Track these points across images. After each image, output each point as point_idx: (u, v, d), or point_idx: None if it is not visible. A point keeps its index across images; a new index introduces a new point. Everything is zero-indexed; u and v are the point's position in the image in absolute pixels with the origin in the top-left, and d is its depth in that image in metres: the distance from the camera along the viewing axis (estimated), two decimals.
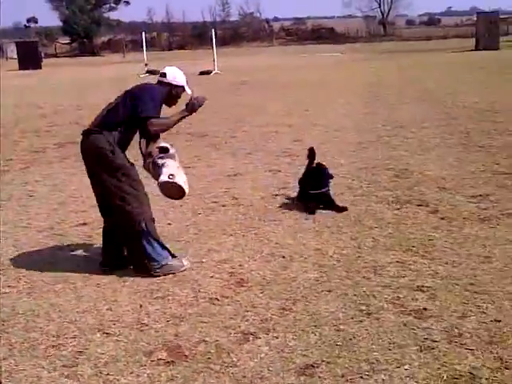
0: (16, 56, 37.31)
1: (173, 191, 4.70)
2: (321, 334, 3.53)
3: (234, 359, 3.30)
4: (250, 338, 3.51)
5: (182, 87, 4.66)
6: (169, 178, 4.50)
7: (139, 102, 4.36)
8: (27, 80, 25.71)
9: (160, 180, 4.54)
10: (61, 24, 53.82)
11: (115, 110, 4.42)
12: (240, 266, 4.63)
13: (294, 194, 6.41)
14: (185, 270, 4.53)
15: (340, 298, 3.99)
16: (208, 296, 4.11)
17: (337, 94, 15.12)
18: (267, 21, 60.91)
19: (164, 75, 4.64)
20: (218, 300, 4.04)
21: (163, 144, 4.68)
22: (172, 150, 4.66)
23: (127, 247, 4.57)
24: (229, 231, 5.44)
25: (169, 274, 4.47)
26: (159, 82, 4.65)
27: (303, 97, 14.78)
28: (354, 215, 5.71)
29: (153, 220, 4.52)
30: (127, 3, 58.28)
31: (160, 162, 4.56)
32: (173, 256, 4.58)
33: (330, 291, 4.10)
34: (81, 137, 4.49)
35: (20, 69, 33.57)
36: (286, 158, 8.31)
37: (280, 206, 6.10)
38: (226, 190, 6.84)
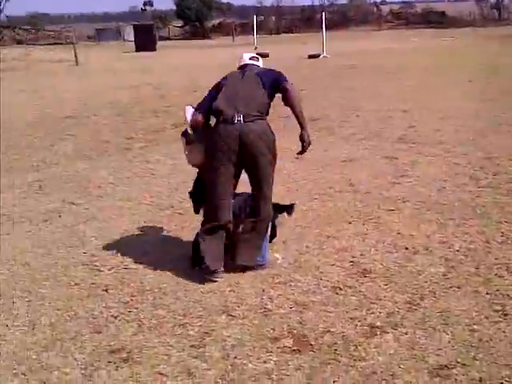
0: (132, 38, 38.80)
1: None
2: (453, 333, 3.36)
3: (363, 353, 3.21)
4: (378, 332, 3.41)
5: None
6: None
7: (273, 73, 4.37)
8: (143, 61, 26.59)
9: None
10: (174, 8, 55.17)
11: (258, 91, 4.23)
12: (361, 255, 4.51)
13: (413, 183, 6.19)
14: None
15: (471, 295, 3.79)
16: (330, 284, 4.04)
17: (451, 80, 14.43)
18: (376, 4, 59.32)
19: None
20: (341, 289, 3.96)
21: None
22: None
23: (254, 241, 4.33)
24: (347, 218, 5.33)
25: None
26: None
27: (416, 82, 14.23)
28: (480, 208, 5.41)
29: None
30: None
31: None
32: None
33: (459, 288, 3.90)
34: (233, 122, 4.10)
35: (136, 51, 34.92)
36: (402, 144, 8.03)
37: (399, 195, 5.89)
38: (341, 175, 6.71)
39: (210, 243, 4.21)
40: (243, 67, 4.45)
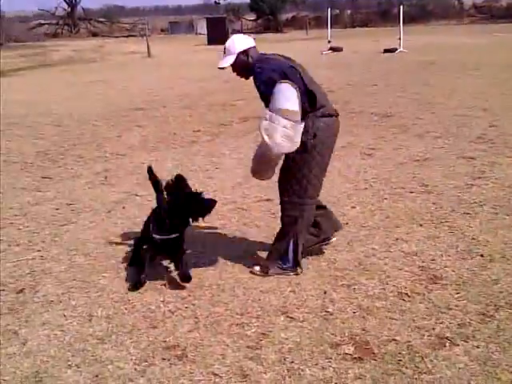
0: (205, 32, 39.17)
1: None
2: None
3: (429, 365, 2.99)
4: (447, 344, 3.17)
5: None
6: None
7: None
8: (215, 54, 26.73)
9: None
10: (248, 1, 55.33)
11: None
12: (432, 260, 4.24)
13: (491, 185, 5.82)
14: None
15: None
16: (397, 290, 3.81)
17: None
18: None
19: None
20: (409, 296, 3.73)
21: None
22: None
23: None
24: (418, 220, 5.05)
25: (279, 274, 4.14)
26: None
27: (498, 79, 13.52)
28: None
29: None
30: None
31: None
32: None
33: None
34: (334, 117, 4.03)
35: (208, 44, 35.20)
36: (481, 144, 7.59)
37: (476, 198, 5.54)
38: (414, 175, 6.40)
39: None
40: (255, 53, 4.05)
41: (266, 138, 3.67)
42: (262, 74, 3.86)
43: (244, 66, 4.02)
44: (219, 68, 4.05)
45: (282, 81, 3.74)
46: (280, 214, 4.15)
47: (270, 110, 3.71)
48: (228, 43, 4.07)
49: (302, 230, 4.08)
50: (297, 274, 4.09)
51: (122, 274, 4.24)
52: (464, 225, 4.90)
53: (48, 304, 3.85)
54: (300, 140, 3.74)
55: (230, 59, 4.02)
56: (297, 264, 4.11)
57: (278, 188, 4.14)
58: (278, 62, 3.95)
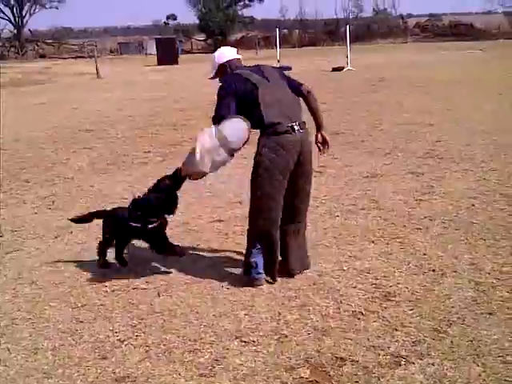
0: (155, 52, 39.02)
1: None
2: (484, 364, 3.09)
3: None
4: (402, 363, 3.15)
5: None
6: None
7: (286, 74, 4.33)
8: (164, 75, 26.64)
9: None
10: (198, 22, 55.55)
11: (291, 94, 4.17)
12: (385, 277, 4.24)
13: (440, 200, 5.91)
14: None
15: (504, 323, 3.51)
16: (351, 309, 3.79)
17: (480, 92, 14.06)
18: (402, 17, 58.93)
19: None
20: (363, 314, 3.70)
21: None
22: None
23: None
24: (370, 237, 5.06)
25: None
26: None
27: (443, 95, 13.89)
28: None
29: None
30: (261, 0, 58.94)
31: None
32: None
33: (490, 314, 3.62)
34: (289, 134, 3.99)
35: (158, 64, 35.04)
36: (429, 159, 7.72)
37: (425, 213, 5.60)
38: (364, 192, 6.44)
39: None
40: (237, 65, 4.30)
41: (198, 155, 3.90)
42: (220, 87, 4.14)
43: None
44: (209, 78, 4.47)
45: (234, 116, 3.98)
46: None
47: (219, 138, 3.91)
48: (213, 55, 4.39)
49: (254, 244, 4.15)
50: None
51: (69, 302, 4.08)
52: (415, 240, 4.93)
53: None
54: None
55: (213, 71, 4.35)
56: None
57: None
58: (238, 80, 4.08)
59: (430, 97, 13.79)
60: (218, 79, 4.32)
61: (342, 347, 3.34)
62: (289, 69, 24.69)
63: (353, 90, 16.29)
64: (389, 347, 3.31)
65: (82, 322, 3.80)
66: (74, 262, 4.82)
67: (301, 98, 4.23)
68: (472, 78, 17.33)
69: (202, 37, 56.99)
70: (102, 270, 4.58)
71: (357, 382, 3.00)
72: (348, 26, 27.97)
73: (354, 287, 4.10)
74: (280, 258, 4.26)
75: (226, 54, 4.33)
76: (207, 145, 3.92)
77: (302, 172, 4.13)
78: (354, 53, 24.85)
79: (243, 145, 4.08)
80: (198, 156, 3.91)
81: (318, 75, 21.27)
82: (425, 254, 4.62)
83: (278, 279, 4.23)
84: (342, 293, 4.01)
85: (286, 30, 53.47)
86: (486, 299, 3.82)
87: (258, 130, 4.06)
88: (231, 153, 4.01)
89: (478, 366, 3.09)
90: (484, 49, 32.08)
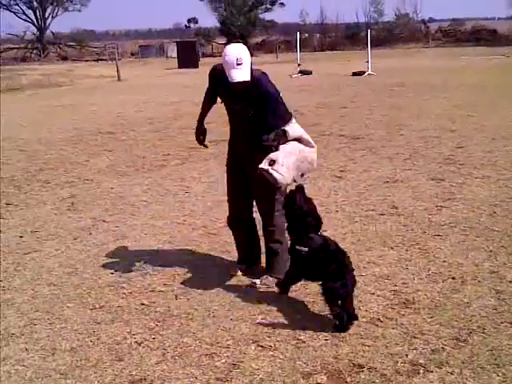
0: (175, 55, 39.25)
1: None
2: (504, 374, 3.04)
3: None
4: (421, 371, 3.10)
5: None
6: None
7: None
8: (185, 78, 26.74)
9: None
10: (218, 25, 55.80)
11: None
12: (404, 284, 4.20)
13: (461, 207, 5.83)
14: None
15: None
16: (369, 315, 3.75)
17: (502, 99, 13.90)
18: (424, 21, 58.58)
19: None
20: (381, 321, 3.66)
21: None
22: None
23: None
24: (389, 243, 5.02)
25: None
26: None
27: (465, 101, 13.76)
28: None
29: None
30: (282, 4, 59.03)
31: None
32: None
33: (511, 323, 3.55)
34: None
35: (179, 67, 35.27)
36: (450, 165, 7.65)
37: (446, 219, 5.54)
38: (384, 197, 6.39)
39: None
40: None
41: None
42: (271, 84, 4.05)
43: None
44: (239, 82, 3.82)
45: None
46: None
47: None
48: (239, 53, 3.79)
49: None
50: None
51: (87, 303, 4.10)
52: (435, 247, 4.88)
53: (9, 337, 3.69)
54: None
55: (248, 70, 3.85)
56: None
57: None
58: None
59: (451, 102, 13.67)
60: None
61: (359, 354, 3.30)
62: (309, 73, 24.74)
63: (373, 94, 16.21)
64: (407, 355, 3.27)
65: (99, 323, 3.81)
66: (93, 263, 4.84)
67: None
68: (494, 84, 17.16)
69: (222, 40, 57.17)
70: (119, 273, 4.59)
71: None
72: (369, 31, 27.88)
73: (373, 293, 4.07)
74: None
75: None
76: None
77: (233, 174, 4.48)
78: (374, 57, 24.73)
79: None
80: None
81: (339, 79, 21.21)
82: (445, 261, 4.56)
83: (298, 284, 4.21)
84: (360, 299, 3.97)
85: (306, 34, 53.43)
86: (507, 308, 3.75)
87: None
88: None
89: (498, 375, 3.03)
90: (507, 54, 31.76)
